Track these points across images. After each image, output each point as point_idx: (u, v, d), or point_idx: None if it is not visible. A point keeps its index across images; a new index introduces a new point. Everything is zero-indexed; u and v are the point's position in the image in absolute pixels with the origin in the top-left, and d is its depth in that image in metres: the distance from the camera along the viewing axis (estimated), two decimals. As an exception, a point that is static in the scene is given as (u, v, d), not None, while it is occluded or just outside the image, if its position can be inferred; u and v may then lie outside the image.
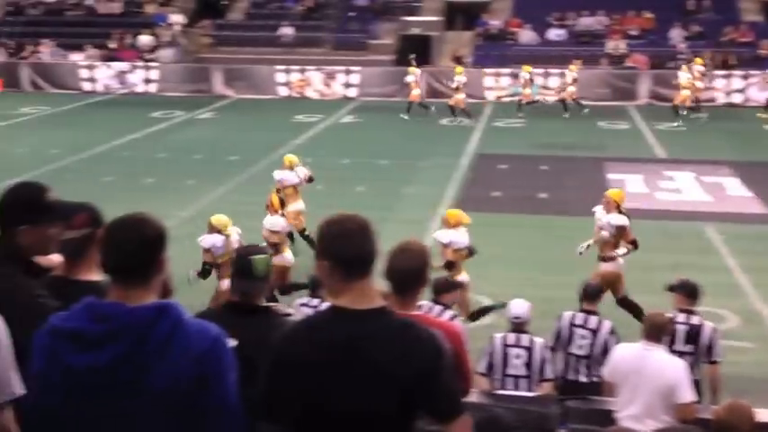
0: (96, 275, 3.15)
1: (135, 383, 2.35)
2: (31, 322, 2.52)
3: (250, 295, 3.49)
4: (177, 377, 2.35)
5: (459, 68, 22.85)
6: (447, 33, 28.80)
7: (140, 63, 27.52)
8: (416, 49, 24.86)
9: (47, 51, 28.29)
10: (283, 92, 26.69)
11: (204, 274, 8.64)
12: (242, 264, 3.52)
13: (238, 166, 16.80)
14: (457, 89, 21.98)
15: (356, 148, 18.73)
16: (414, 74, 22.54)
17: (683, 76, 22.23)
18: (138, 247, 2.44)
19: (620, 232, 9.10)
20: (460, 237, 8.58)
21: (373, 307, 2.59)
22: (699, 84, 22.62)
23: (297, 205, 11.51)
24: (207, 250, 8.68)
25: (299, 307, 6.84)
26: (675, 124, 21.50)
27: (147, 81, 27.25)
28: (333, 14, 29.66)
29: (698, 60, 23.21)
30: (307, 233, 11.12)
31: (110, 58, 27.87)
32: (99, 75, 27.38)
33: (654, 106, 24.30)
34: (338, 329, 2.56)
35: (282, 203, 10.02)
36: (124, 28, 29.26)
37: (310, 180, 12.00)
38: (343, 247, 2.59)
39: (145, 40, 28.49)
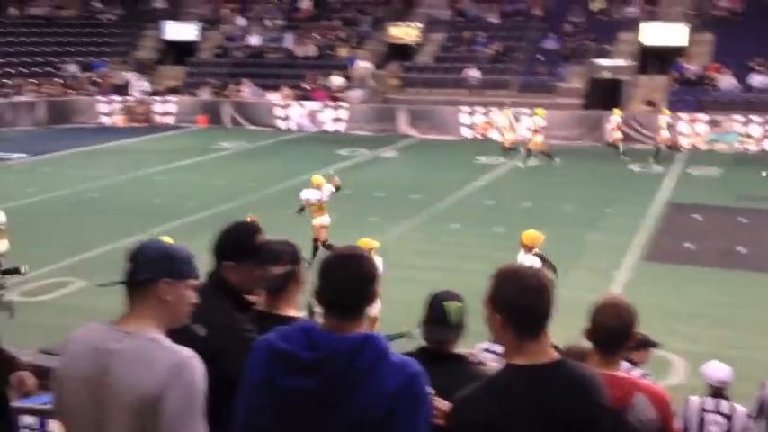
0: (295, 311, 3.36)
1: (337, 409, 2.43)
2: (243, 357, 2.63)
3: (443, 343, 3.33)
4: (373, 407, 2.40)
5: (539, 111, 22.35)
6: (639, 77, 27.81)
7: (331, 103, 28.63)
8: (606, 93, 24.14)
9: (247, 91, 30.12)
10: (467, 133, 26.78)
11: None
12: (435, 310, 3.34)
13: (420, 205, 16.92)
14: (536, 132, 21.74)
15: (539, 192, 18.35)
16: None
17: None
18: (354, 284, 2.51)
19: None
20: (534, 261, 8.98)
21: (552, 360, 2.54)
22: None
23: (322, 219, 12.97)
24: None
25: (480, 351, 6.64)
26: None
27: (337, 120, 28.28)
28: (521, 57, 29.53)
29: None
30: (329, 244, 12.35)
31: (303, 97, 29.22)
32: (293, 113, 28.75)
33: None
34: (521, 388, 2.50)
35: None
36: (318, 70, 30.63)
37: (338, 189, 13.27)
38: (521, 304, 2.53)
39: (336, 81, 29.66)
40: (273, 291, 3.29)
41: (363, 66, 30.06)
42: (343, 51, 31.57)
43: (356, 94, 29.10)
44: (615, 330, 3.07)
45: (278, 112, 28.90)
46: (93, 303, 11.04)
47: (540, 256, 9.53)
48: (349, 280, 2.49)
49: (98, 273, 12.39)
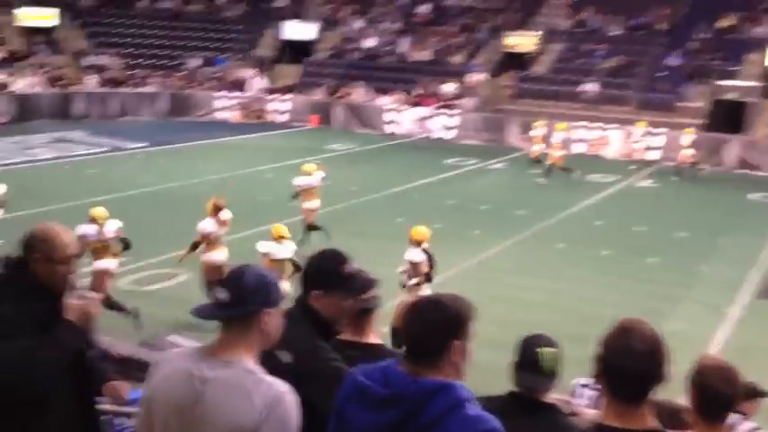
0: (376, 337, 3.35)
1: None
2: (327, 386, 2.64)
3: (534, 390, 3.20)
4: None
5: (561, 125, 21.92)
6: (765, 101, 26.43)
7: (442, 110, 28.50)
8: (729, 116, 23.06)
9: (359, 93, 30.37)
10: (579, 149, 26.12)
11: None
12: (528, 355, 3.20)
13: (525, 222, 16.56)
14: (556, 146, 21.65)
15: (651, 215, 17.65)
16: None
17: None
18: (429, 334, 2.42)
19: None
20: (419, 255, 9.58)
21: (648, 430, 2.42)
22: None
23: (312, 203, 14.26)
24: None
25: (578, 387, 6.37)
26: None
27: (447, 128, 28.12)
28: (641, 72, 28.59)
29: None
30: (315, 225, 13.97)
31: (414, 102, 29.21)
32: (402, 118, 28.79)
33: None
34: None
35: (217, 209, 11.10)
36: (431, 76, 30.58)
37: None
38: (625, 367, 2.41)
39: (448, 88, 29.51)
40: (357, 319, 3.27)
41: (478, 74, 29.80)
42: (458, 58, 31.39)
43: (468, 102, 28.87)
44: (725, 396, 2.88)
45: (388, 116, 29.00)
46: (199, 296, 11.36)
47: (426, 252, 9.70)
48: (423, 328, 2.41)
49: (198, 266, 12.71)
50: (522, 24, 32.32)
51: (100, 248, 10.27)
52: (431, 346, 2.41)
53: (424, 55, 31.90)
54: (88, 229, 10.13)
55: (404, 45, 32.48)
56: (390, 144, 26.91)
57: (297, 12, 35.46)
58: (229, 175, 19.02)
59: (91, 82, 29.58)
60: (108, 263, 10.35)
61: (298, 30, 34.29)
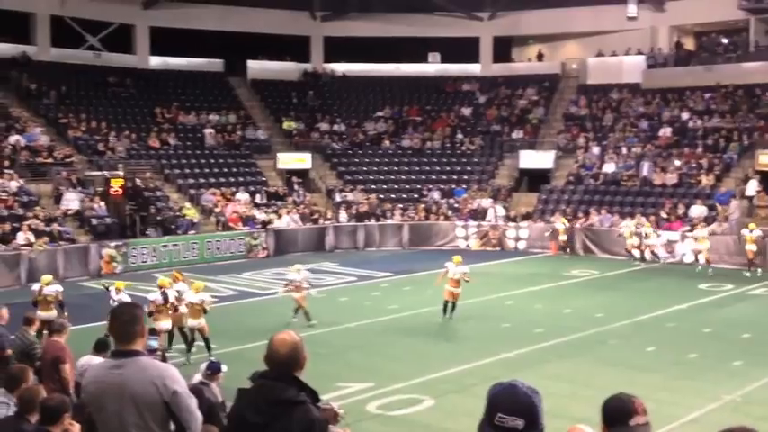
0: None
1: None
2: None
3: None
4: None
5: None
6: None
7: (690, 233, 27.08)
8: None
9: (598, 218, 29.75)
10: None
11: None
12: None
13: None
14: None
15: None
16: None
17: None
18: None
19: None
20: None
21: None
22: None
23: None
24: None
25: None
26: None
27: (696, 252, 26.57)
28: None
29: None
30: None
31: (660, 227, 28.05)
32: (648, 243, 27.67)
33: None
34: None
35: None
36: (677, 198, 29.38)
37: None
38: None
39: (697, 211, 28.11)
40: None
41: (731, 199, 28.16)
42: (705, 180, 29.98)
43: (720, 226, 27.24)
44: None
45: (632, 240, 28.03)
46: (444, 422, 11.34)
47: None
48: None
49: (448, 393, 12.75)
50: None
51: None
52: None
53: (669, 178, 30.84)
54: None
55: (645, 168, 31.63)
56: (636, 269, 25.85)
57: (532, 143, 36.04)
58: (470, 302, 19.16)
59: (341, 216, 31.66)
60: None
61: (534, 159, 34.73)
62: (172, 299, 14.68)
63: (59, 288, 15.59)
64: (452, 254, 18.50)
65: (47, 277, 15.82)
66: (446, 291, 18.04)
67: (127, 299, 14.89)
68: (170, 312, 14.67)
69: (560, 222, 29.21)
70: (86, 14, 35.62)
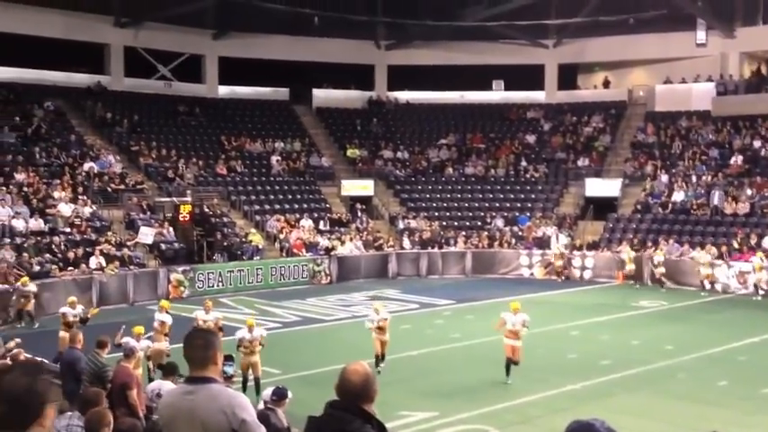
0: None
1: None
2: None
3: None
4: None
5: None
6: None
7: (764, 263, 26.26)
8: None
9: (667, 248, 29.08)
10: None
11: None
12: None
13: None
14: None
15: None
16: None
17: None
18: None
19: None
20: None
21: None
22: None
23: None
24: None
25: None
26: None
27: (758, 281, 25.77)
28: None
29: None
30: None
31: (731, 257, 27.29)
32: (719, 273, 26.94)
33: None
34: None
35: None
36: (749, 227, 28.56)
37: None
38: None
39: (770, 241, 27.29)
40: None
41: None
42: (778, 209, 29.10)
43: (794, 255, 26.35)
44: None
45: (702, 270, 27.32)
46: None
47: None
48: None
49: (513, 424, 12.57)
50: None
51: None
52: None
53: (741, 207, 30.02)
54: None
55: (716, 197, 30.87)
56: (707, 301, 25.15)
57: (598, 171, 35.54)
58: (535, 332, 18.89)
59: (404, 243, 31.68)
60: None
61: (600, 187, 34.21)
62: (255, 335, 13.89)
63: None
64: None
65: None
66: (506, 346, 15.15)
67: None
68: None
69: (626, 252, 28.67)
70: (158, 45, 36.79)
